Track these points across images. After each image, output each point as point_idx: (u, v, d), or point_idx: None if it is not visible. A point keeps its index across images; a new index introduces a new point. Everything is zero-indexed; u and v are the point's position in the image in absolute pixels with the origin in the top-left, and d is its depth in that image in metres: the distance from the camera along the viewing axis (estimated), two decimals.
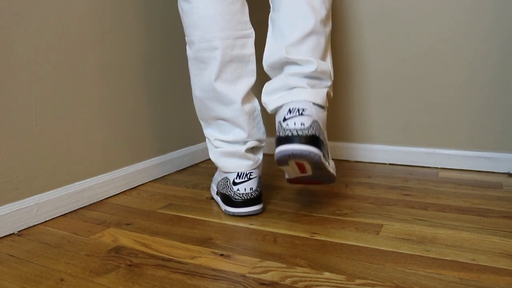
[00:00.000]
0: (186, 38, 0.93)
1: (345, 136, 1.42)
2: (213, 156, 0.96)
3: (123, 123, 1.11)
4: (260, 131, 0.94)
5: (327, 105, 0.85)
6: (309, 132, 0.76)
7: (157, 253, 0.76)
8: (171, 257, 0.74)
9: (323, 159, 0.78)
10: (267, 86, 0.88)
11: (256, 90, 1.45)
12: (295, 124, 0.77)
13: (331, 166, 0.86)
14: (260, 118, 0.95)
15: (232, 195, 0.91)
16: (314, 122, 0.78)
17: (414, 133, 1.33)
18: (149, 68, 1.18)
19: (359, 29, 1.35)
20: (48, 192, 0.93)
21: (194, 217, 0.93)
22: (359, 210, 0.95)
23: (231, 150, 0.92)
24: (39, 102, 0.90)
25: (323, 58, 0.86)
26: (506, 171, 1.23)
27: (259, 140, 0.95)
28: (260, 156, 0.96)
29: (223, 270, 0.69)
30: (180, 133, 1.33)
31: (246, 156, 0.92)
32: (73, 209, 0.98)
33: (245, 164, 0.92)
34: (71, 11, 0.95)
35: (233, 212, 0.92)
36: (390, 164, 1.36)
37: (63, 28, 0.94)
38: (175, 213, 0.96)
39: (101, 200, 1.05)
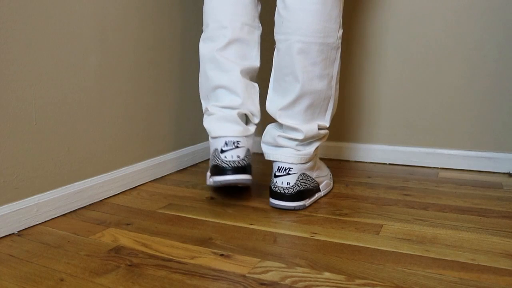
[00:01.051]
0: (203, 24, 1.05)
1: (345, 136, 1.42)
2: (206, 124, 1.01)
3: (123, 123, 1.11)
4: (254, 106, 1.02)
5: (317, 151, 1.00)
6: (294, 190, 0.94)
7: (157, 253, 0.76)
8: (171, 257, 0.74)
9: (307, 205, 0.97)
10: (264, 136, 0.99)
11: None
12: (282, 183, 0.94)
13: (318, 195, 1.03)
14: (257, 97, 1.03)
15: (220, 163, 0.91)
16: (300, 175, 0.94)
17: (414, 133, 1.33)
18: (149, 68, 1.18)
19: (361, 30, 1.35)
20: (48, 192, 0.93)
21: (194, 217, 0.93)
22: (359, 210, 0.95)
23: (223, 114, 0.98)
24: (39, 102, 0.90)
25: (316, 117, 0.96)
26: (506, 171, 1.23)
27: (252, 112, 1.01)
28: (251, 128, 1.01)
29: (223, 270, 0.69)
30: (180, 133, 1.33)
31: (237, 120, 0.97)
32: (73, 209, 0.98)
33: (235, 129, 0.95)
34: (71, 11, 0.95)
35: (219, 181, 0.90)
36: (390, 164, 1.36)
37: (63, 27, 0.94)
38: (175, 213, 0.96)
39: (101, 200, 1.05)
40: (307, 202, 0.97)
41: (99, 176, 1.05)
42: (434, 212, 0.93)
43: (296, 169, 0.94)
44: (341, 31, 0.94)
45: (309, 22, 0.90)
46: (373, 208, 0.96)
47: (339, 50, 0.96)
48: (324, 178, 1.05)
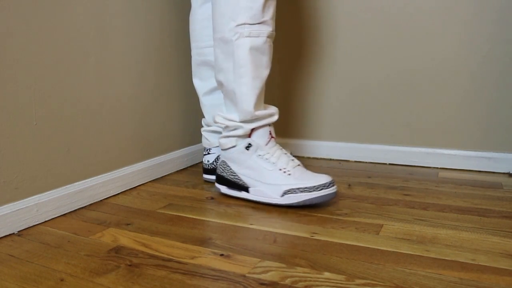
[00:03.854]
0: None
1: (345, 136, 1.42)
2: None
3: (123, 123, 1.11)
4: None
5: (237, 143, 1.03)
6: (209, 166, 1.16)
7: (157, 253, 0.76)
8: (171, 257, 0.74)
9: (222, 192, 1.06)
10: None
11: None
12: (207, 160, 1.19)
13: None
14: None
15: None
16: (221, 161, 1.06)
17: (414, 133, 1.33)
18: (149, 68, 1.18)
19: (360, 28, 1.35)
20: (48, 192, 0.93)
21: (194, 217, 0.93)
22: (359, 210, 0.95)
23: (203, 129, 1.21)
24: (39, 102, 0.90)
25: (231, 109, 1.03)
26: (506, 171, 1.23)
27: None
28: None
29: (223, 270, 0.69)
30: (180, 133, 1.33)
31: (207, 135, 1.19)
32: (73, 209, 0.98)
33: (205, 141, 1.20)
34: (71, 11, 0.95)
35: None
36: (390, 164, 1.36)
37: (63, 27, 0.94)
38: (175, 213, 0.96)
39: (101, 200, 1.05)
40: (223, 189, 1.06)
41: (99, 176, 1.05)
42: (434, 212, 0.93)
43: (220, 153, 1.08)
44: (232, 24, 0.95)
45: (212, 24, 1.02)
46: (373, 208, 0.96)
47: (233, 43, 0.96)
48: (259, 184, 0.98)
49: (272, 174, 0.97)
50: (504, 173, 1.23)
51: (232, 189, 1.04)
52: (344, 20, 1.36)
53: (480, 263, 0.70)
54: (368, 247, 0.76)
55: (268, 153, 0.99)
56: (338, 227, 0.86)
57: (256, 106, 0.99)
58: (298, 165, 0.99)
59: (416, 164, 1.33)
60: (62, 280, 0.67)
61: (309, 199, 0.93)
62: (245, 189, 1.01)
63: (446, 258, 0.72)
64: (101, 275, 0.68)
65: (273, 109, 1.03)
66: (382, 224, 0.87)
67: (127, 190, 1.12)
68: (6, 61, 0.83)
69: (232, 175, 1.03)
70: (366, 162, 1.39)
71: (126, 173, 1.12)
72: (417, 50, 1.28)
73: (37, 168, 0.90)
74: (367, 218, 0.90)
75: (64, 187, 0.96)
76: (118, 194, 1.09)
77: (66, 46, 0.95)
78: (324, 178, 0.94)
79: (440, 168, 1.30)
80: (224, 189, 1.06)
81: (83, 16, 0.98)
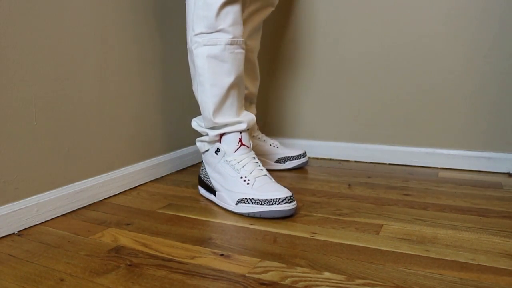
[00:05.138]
0: None
1: (345, 136, 1.42)
2: None
3: (123, 123, 1.11)
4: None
5: (209, 147, 1.04)
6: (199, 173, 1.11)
7: (157, 253, 0.76)
8: (171, 257, 0.74)
9: (200, 193, 1.09)
10: None
11: None
12: None
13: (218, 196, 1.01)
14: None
15: None
16: (202, 162, 1.08)
17: (414, 133, 1.33)
18: (149, 68, 1.18)
19: (356, 27, 1.35)
20: (48, 192, 0.93)
21: (194, 217, 0.93)
22: (359, 210, 0.95)
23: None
24: (39, 102, 0.90)
25: (199, 117, 1.07)
26: (506, 171, 1.23)
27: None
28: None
29: (223, 270, 0.69)
30: (180, 133, 1.33)
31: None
32: (73, 209, 0.98)
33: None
34: (72, 11, 0.95)
35: None
36: (390, 164, 1.36)
37: (63, 27, 0.94)
38: (175, 213, 0.96)
39: (101, 200, 1.05)
40: (200, 190, 1.08)
41: (99, 176, 1.05)
42: (434, 212, 0.93)
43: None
44: (192, 33, 0.97)
45: None
46: (373, 208, 0.96)
47: (193, 53, 0.98)
48: (223, 190, 0.98)
49: (233, 181, 0.96)
50: (504, 173, 1.23)
51: (206, 191, 1.05)
52: (341, 16, 1.36)
53: (480, 263, 0.70)
54: (368, 247, 0.76)
55: (234, 159, 0.97)
56: (338, 227, 0.86)
57: (217, 114, 0.98)
58: (265, 175, 0.96)
59: (416, 164, 1.33)
60: (62, 280, 0.67)
61: (259, 212, 0.90)
62: (214, 192, 1.02)
63: (446, 258, 0.72)
64: (101, 275, 0.68)
65: (243, 118, 1.00)
66: (382, 224, 0.87)
67: (127, 190, 1.12)
68: (6, 61, 0.83)
69: (206, 177, 1.04)
70: (366, 162, 1.39)
71: (126, 173, 1.12)
72: (417, 50, 1.28)
73: (37, 168, 0.90)
74: (367, 218, 0.90)
75: (64, 187, 0.96)
76: (118, 194, 1.09)
77: (66, 46, 0.95)
78: (281, 193, 0.90)
79: (440, 168, 1.30)
80: (201, 190, 1.07)
81: (83, 16, 0.98)
